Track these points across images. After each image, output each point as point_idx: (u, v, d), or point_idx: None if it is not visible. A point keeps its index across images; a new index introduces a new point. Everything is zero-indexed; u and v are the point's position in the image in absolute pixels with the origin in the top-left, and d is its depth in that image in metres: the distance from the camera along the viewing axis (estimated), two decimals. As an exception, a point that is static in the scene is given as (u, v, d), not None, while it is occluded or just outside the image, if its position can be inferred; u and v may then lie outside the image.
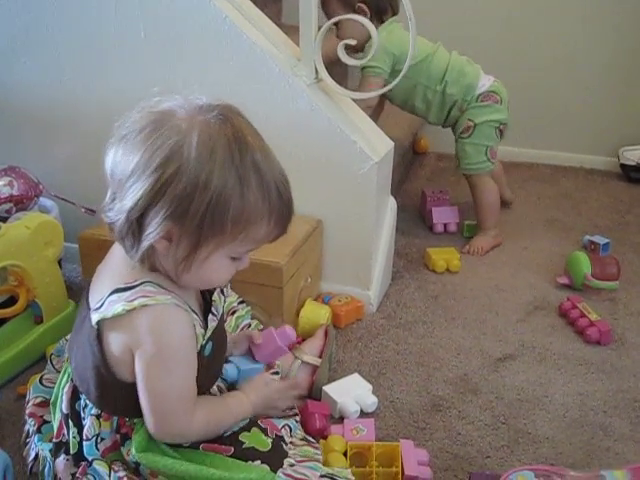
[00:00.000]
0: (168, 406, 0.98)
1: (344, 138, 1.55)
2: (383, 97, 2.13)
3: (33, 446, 1.11)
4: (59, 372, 1.19)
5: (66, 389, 1.06)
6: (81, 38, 1.63)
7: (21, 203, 1.59)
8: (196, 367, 1.00)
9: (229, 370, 1.18)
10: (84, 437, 1.02)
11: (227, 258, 0.97)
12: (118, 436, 1.03)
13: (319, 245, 1.66)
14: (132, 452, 1.00)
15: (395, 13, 2.03)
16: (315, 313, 1.56)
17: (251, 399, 1.11)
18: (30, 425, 1.14)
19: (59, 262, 1.55)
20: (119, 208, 0.91)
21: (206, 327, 1.04)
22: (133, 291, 0.94)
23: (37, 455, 1.10)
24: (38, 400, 1.16)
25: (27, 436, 1.14)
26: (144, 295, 0.94)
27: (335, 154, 1.57)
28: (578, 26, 2.67)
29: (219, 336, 1.10)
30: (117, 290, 0.95)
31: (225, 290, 1.14)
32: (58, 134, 1.75)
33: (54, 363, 1.23)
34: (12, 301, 1.44)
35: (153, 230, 0.90)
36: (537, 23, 2.70)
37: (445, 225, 2.18)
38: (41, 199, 1.67)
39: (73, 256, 1.66)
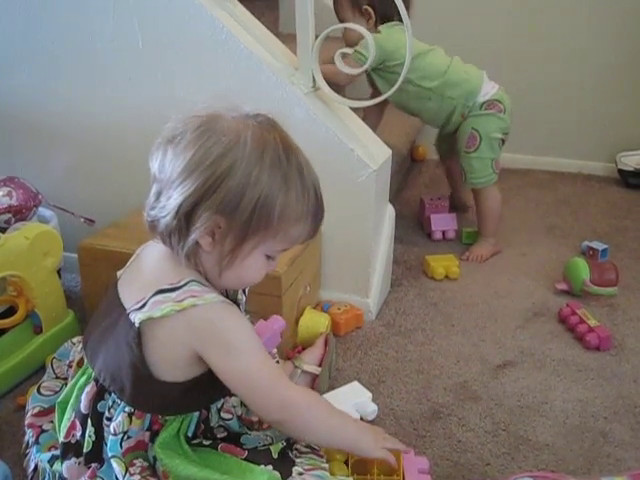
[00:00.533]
0: (263, 385, 1.01)
1: (342, 146, 1.55)
2: (384, 103, 2.14)
3: (32, 457, 1.11)
4: (59, 378, 1.21)
5: (87, 389, 1.05)
6: (79, 48, 1.63)
7: (20, 213, 1.59)
8: (262, 343, 1.04)
9: None
10: (112, 431, 1.02)
11: (264, 256, 1.01)
12: (148, 434, 1.04)
13: (318, 253, 1.66)
14: (155, 448, 1.01)
15: (401, 21, 2.04)
16: (314, 321, 1.56)
17: (365, 433, 1.12)
18: (29, 436, 1.13)
19: (58, 272, 1.55)
20: (165, 205, 0.95)
21: None
22: (180, 291, 0.97)
23: (37, 466, 1.10)
24: (36, 410, 1.16)
25: (27, 447, 1.14)
26: (192, 295, 0.96)
27: (333, 162, 1.57)
28: (576, 32, 2.68)
29: None
30: (162, 291, 0.97)
31: (246, 290, 1.17)
32: (57, 144, 1.76)
33: (54, 367, 1.23)
34: (11, 311, 1.44)
35: (202, 224, 0.94)
36: (536, 30, 2.71)
37: (444, 232, 2.18)
38: (40, 209, 1.67)
39: (72, 266, 1.66)
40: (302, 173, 0.99)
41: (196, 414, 1.06)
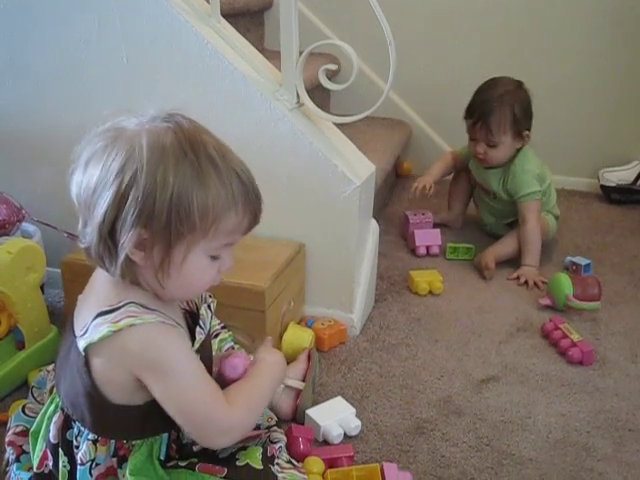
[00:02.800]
0: (200, 411, 0.98)
1: (326, 162, 1.56)
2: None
3: (13, 475, 1.10)
4: (41, 404, 1.18)
5: (55, 419, 1.04)
6: (63, 63, 1.63)
7: (3, 228, 1.59)
8: (202, 365, 1.00)
9: None
10: (79, 461, 1.01)
11: (206, 257, 0.97)
12: (115, 460, 1.02)
13: (302, 268, 1.66)
14: (126, 475, 0.99)
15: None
16: (298, 337, 1.56)
17: (271, 363, 1.14)
18: (9, 453, 1.12)
19: (41, 287, 1.54)
20: (91, 230, 0.93)
21: (193, 340, 1.04)
22: (118, 312, 0.94)
23: (18, 483, 1.09)
24: (19, 429, 1.14)
25: (7, 464, 1.13)
26: (129, 315, 0.93)
27: (317, 178, 1.58)
28: (561, 51, 2.71)
29: (206, 349, 1.09)
30: (101, 313, 0.95)
31: (212, 305, 1.14)
32: (41, 159, 1.75)
33: (35, 395, 1.20)
34: (-7, 327, 1.44)
35: (126, 239, 0.91)
36: (521, 50, 2.74)
37: (427, 248, 2.18)
38: (24, 224, 1.66)
39: (56, 281, 1.65)
40: (214, 161, 0.93)
41: (165, 436, 1.04)
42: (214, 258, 0.99)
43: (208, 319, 1.11)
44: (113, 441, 1.01)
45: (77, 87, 1.65)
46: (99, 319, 0.94)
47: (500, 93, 2.08)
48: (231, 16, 1.88)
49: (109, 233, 0.92)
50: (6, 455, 1.13)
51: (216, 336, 1.30)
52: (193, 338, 1.05)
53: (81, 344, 0.95)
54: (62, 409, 1.04)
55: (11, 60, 1.67)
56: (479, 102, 2.11)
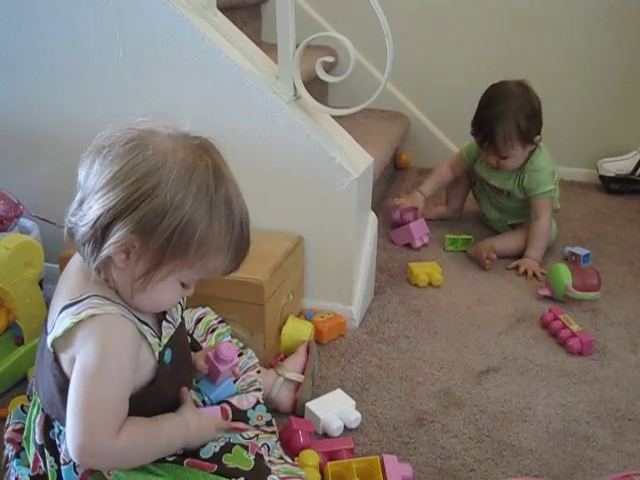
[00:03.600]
0: (95, 416, 0.92)
1: (323, 154, 1.56)
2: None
3: (13, 471, 1.10)
4: None
5: (37, 420, 1.04)
6: (60, 58, 1.63)
7: (1, 224, 1.58)
8: (130, 387, 0.97)
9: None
10: (61, 462, 1.00)
11: (178, 283, 0.99)
12: None
13: (301, 261, 1.66)
14: (113, 471, 0.98)
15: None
16: (297, 330, 1.56)
17: (190, 428, 1.04)
18: (9, 450, 1.12)
19: (40, 283, 1.54)
20: (85, 214, 0.93)
21: (161, 334, 1.04)
22: (80, 304, 0.94)
23: (17, 479, 1.08)
24: (18, 426, 1.14)
25: (6, 461, 1.12)
26: (91, 306, 0.93)
27: (315, 170, 1.58)
28: (559, 43, 2.71)
29: (179, 344, 1.09)
30: (65, 307, 0.95)
31: (181, 299, 1.13)
32: (39, 154, 1.75)
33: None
34: (-8, 323, 1.43)
35: (116, 241, 0.91)
36: (519, 39, 2.73)
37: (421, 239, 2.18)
38: (21, 220, 1.66)
39: (54, 276, 1.63)
40: (230, 204, 0.96)
41: None
42: (184, 286, 1.00)
43: (177, 313, 1.11)
44: None
45: (74, 83, 1.65)
46: (63, 313, 0.95)
47: (502, 109, 2.05)
48: (228, 9, 1.88)
49: (103, 227, 0.92)
50: (5, 452, 1.13)
51: (213, 331, 1.30)
52: (160, 329, 1.04)
53: (48, 340, 0.96)
54: (42, 409, 1.04)
55: (7, 57, 1.66)
56: (483, 121, 2.09)
